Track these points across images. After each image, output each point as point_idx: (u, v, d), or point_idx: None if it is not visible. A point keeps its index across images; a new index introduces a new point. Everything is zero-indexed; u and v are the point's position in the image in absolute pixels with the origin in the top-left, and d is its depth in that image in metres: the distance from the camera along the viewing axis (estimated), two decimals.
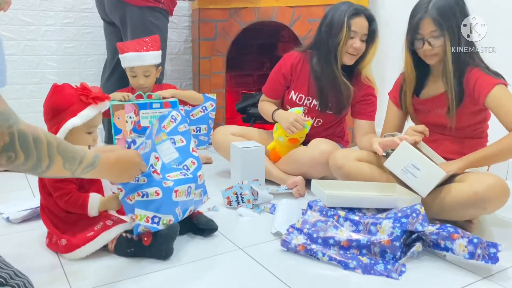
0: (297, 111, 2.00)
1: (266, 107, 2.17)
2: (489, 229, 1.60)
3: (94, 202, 1.35)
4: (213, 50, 2.92)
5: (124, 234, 1.34)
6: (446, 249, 1.30)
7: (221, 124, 2.87)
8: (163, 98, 2.09)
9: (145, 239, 1.30)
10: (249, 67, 3.44)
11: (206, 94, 2.86)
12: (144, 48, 2.13)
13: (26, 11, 2.71)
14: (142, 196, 1.28)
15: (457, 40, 1.56)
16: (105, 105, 1.40)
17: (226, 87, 3.14)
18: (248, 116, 3.08)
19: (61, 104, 1.34)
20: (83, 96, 1.34)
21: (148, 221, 1.29)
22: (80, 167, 0.97)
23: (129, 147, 1.30)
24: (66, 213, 1.36)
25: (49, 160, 0.88)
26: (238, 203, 1.75)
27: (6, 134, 0.78)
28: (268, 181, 2.04)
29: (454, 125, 1.63)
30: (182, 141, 1.50)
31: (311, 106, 2.09)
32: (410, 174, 1.48)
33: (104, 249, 1.34)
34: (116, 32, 2.56)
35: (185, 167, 1.47)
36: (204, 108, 2.83)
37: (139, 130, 2.05)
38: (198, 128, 2.83)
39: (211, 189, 1.96)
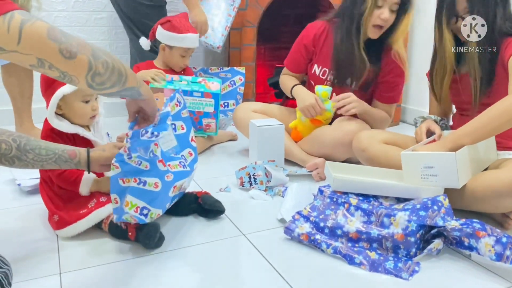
0: (323, 93, 1.83)
1: (286, 81, 2.03)
2: None
3: (87, 181, 1.29)
4: (244, 21, 2.78)
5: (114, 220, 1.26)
6: (471, 248, 1.14)
7: (250, 100, 2.75)
8: None
9: (130, 233, 1.22)
10: (285, 40, 3.25)
11: (235, 68, 2.73)
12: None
13: None
14: (138, 183, 1.17)
15: (492, 17, 1.39)
16: None
17: (259, 60, 3.00)
18: (280, 91, 2.91)
19: None
20: None
21: (137, 211, 1.18)
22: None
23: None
24: (61, 189, 1.31)
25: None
26: (251, 184, 1.64)
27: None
28: (290, 162, 1.91)
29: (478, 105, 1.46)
30: (183, 128, 1.38)
31: (335, 81, 1.92)
32: (431, 176, 1.30)
33: (100, 228, 1.29)
34: None
35: (183, 157, 1.36)
36: (232, 82, 2.71)
37: None
38: (226, 104, 2.72)
39: (227, 168, 1.88)
